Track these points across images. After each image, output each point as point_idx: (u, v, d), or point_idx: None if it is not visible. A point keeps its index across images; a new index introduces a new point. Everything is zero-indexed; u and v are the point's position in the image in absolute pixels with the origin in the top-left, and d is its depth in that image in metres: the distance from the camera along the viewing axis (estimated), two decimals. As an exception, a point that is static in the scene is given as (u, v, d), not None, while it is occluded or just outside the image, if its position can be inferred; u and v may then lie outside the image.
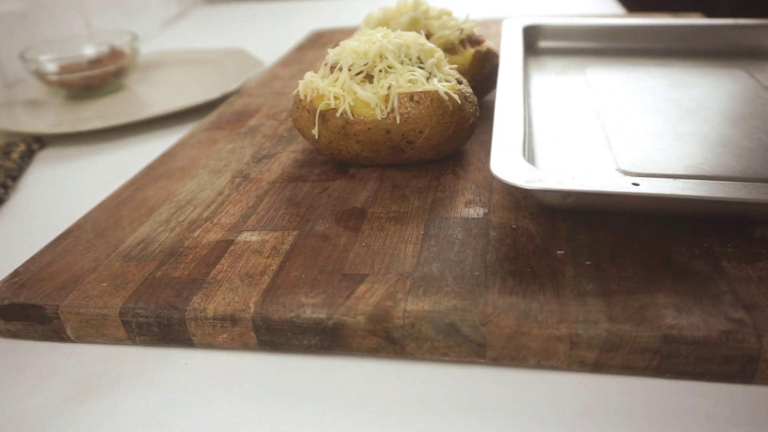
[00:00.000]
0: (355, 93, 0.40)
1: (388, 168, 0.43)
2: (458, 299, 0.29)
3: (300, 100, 0.43)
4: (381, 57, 0.41)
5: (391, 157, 0.42)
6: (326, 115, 0.41)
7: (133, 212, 0.40)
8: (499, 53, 0.52)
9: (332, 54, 0.43)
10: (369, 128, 0.40)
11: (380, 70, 0.41)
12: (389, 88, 0.40)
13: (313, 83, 0.42)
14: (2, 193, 0.49)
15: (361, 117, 0.40)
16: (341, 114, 0.40)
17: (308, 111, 0.42)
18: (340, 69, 0.41)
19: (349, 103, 0.40)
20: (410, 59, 0.41)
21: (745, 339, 0.26)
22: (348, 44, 0.42)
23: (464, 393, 0.28)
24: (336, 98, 0.41)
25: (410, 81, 0.40)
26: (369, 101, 0.40)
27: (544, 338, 0.27)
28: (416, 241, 0.34)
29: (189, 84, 0.71)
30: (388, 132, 0.40)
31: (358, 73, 0.41)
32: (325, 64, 0.43)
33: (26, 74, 0.76)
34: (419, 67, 0.41)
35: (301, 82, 0.43)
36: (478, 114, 0.43)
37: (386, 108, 0.40)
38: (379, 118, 0.40)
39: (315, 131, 0.42)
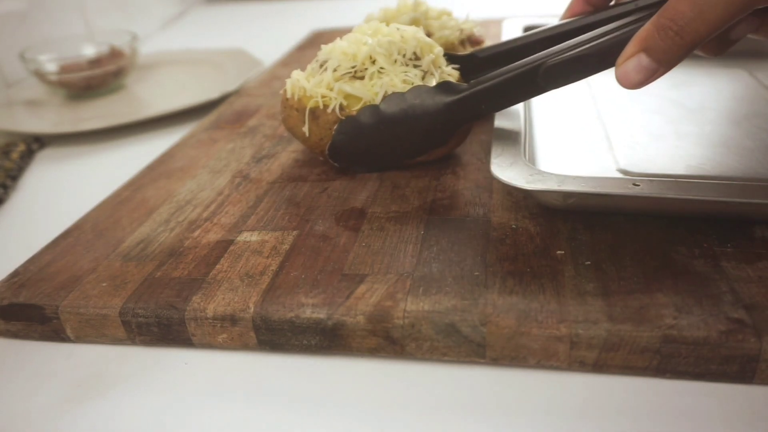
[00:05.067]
0: (346, 91, 0.40)
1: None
2: (458, 299, 0.29)
3: (287, 99, 0.42)
4: (371, 59, 0.40)
5: None
6: (316, 112, 0.40)
7: (132, 212, 0.40)
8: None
9: (324, 51, 0.42)
10: None
11: (372, 73, 0.40)
12: (382, 86, 0.39)
13: (299, 82, 0.41)
14: (2, 193, 0.49)
15: (353, 112, 0.40)
16: (332, 110, 0.40)
17: (296, 110, 0.42)
18: (327, 69, 0.41)
19: (341, 102, 0.40)
20: (404, 56, 0.41)
21: (745, 339, 0.26)
22: (338, 44, 0.41)
23: (464, 393, 0.28)
24: (324, 97, 0.40)
25: (404, 81, 0.40)
26: (361, 95, 0.39)
27: (544, 338, 0.27)
28: (416, 241, 0.34)
29: (189, 84, 0.71)
30: None
31: (345, 74, 0.40)
32: (316, 61, 0.42)
33: (26, 74, 0.76)
34: (414, 65, 0.41)
35: (288, 80, 0.43)
36: None
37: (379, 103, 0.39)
38: None
39: (305, 128, 0.41)
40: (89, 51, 0.71)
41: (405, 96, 0.39)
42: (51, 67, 0.67)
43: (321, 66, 0.42)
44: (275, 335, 0.30)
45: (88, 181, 0.51)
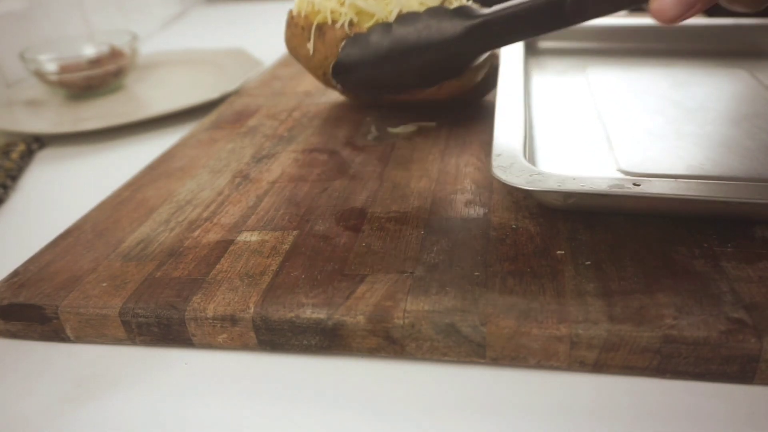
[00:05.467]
0: (358, 6, 0.37)
1: (387, 167, 0.43)
2: (458, 299, 0.29)
3: (293, 17, 0.40)
4: None
5: None
6: (323, 28, 0.38)
7: (132, 212, 0.40)
8: (499, 53, 0.52)
9: None
10: None
11: None
12: (397, 4, 0.37)
13: None
14: (2, 193, 0.49)
15: (363, 29, 0.37)
16: (341, 26, 0.37)
17: (302, 27, 0.39)
18: None
19: (351, 18, 0.37)
20: None
21: (745, 339, 0.26)
22: None
23: (464, 393, 0.28)
24: (333, 12, 0.38)
25: (421, 3, 0.37)
26: (374, 11, 0.37)
27: (544, 338, 0.27)
28: (416, 241, 0.34)
29: (189, 84, 0.71)
30: None
31: None
32: None
33: (26, 74, 0.76)
34: None
35: None
36: (496, 65, 0.40)
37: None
38: None
39: (309, 45, 0.38)
40: (89, 51, 0.71)
41: (420, 15, 0.36)
42: (51, 67, 0.67)
43: None
44: (275, 335, 0.30)
45: (88, 181, 0.51)
